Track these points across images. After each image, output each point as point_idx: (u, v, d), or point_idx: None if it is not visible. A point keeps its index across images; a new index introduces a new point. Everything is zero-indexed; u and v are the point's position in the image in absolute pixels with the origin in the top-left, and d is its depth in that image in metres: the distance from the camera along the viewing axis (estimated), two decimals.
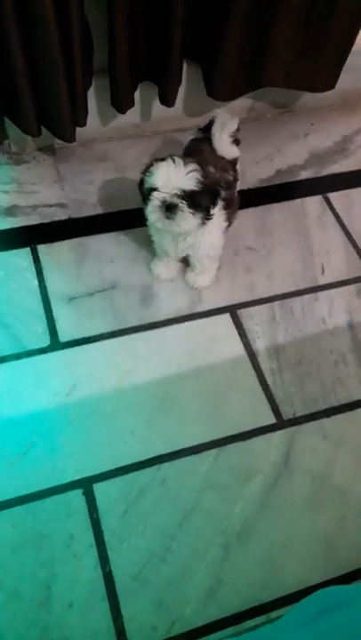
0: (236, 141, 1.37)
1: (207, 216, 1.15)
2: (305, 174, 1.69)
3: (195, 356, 1.28)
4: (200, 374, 1.26)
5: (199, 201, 1.11)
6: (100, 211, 1.54)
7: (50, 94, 1.30)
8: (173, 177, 1.08)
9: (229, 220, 1.30)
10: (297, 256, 1.49)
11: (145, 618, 0.98)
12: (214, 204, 1.16)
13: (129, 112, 1.54)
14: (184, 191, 1.08)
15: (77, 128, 1.46)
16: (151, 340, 1.31)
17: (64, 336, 1.30)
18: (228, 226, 1.30)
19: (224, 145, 1.32)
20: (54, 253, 1.44)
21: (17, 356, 1.26)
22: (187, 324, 1.34)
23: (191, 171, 1.09)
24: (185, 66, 1.53)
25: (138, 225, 1.43)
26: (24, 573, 1.00)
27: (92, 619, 0.97)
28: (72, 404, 1.20)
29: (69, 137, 1.41)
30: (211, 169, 1.22)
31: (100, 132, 1.66)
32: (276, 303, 1.39)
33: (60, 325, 1.31)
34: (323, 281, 1.44)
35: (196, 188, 1.09)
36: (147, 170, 1.14)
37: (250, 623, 0.98)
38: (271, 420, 1.21)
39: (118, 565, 1.02)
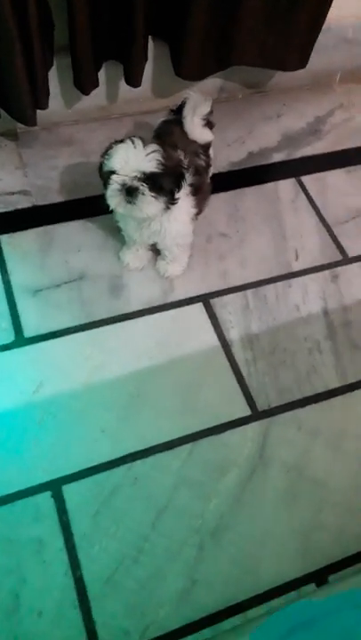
0: (209, 124, 1.29)
1: (171, 200, 1.08)
2: (278, 157, 1.62)
3: (167, 348, 1.22)
4: (173, 367, 1.20)
5: (161, 184, 1.04)
6: (65, 197, 1.45)
7: (5, 72, 1.20)
8: (133, 159, 1.02)
9: (199, 206, 1.22)
10: (270, 241, 1.43)
11: (118, 623, 0.93)
12: (178, 188, 1.09)
13: (94, 93, 1.45)
14: (144, 173, 1.02)
15: (39, 111, 1.37)
16: (121, 332, 1.24)
17: (29, 331, 1.22)
18: (198, 213, 1.23)
19: (196, 128, 1.24)
20: (18, 243, 1.36)
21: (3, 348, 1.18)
22: (158, 314, 1.27)
23: (151, 152, 1.03)
24: (152, 44, 1.44)
25: (106, 212, 1.35)
26: None
27: (63, 627, 0.92)
28: (39, 402, 1.13)
29: (30, 120, 1.32)
30: (179, 152, 1.16)
31: (65, 116, 1.56)
32: (249, 291, 1.33)
33: (24, 320, 1.24)
34: (297, 267, 1.39)
35: (157, 170, 1.03)
36: (105, 153, 1.07)
37: (226, 623, 0.94)
38: (246, 411, 1.16)
39: (89, 570, 0.97)
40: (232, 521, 1.03)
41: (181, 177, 1.10)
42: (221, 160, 1.56)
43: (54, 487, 1.04)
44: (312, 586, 0.98)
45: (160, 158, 1.03)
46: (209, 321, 1.27)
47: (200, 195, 1.21)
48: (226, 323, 1.27)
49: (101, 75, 1.44)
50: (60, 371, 1.18)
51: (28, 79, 1.22)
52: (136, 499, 1.04)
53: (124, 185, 1.02)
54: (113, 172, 1.03)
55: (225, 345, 1.23)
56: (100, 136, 1.57)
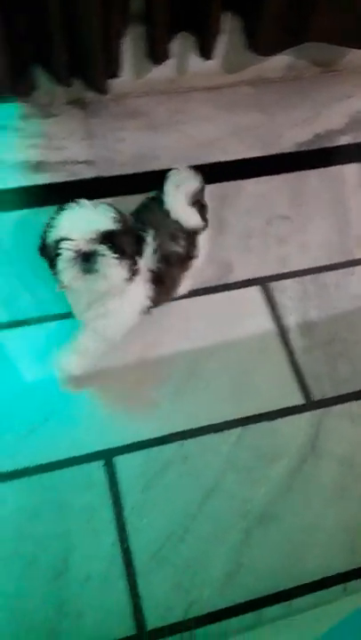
0: (200, 206, 1.04)
1: (134, 266, 0.88)
2: (344, 140, 1.51)
3: (222, 330, 1.17)
4: (227, 349, 1.15)
5: (122, 243, 0.84)
6: (129, 170, 1.39)
7: (85, 40, 1.13)
8: (83, 220, 0.83)
9: (157, 300, 0.99)
10: (333, 227, 1.34)
11: (162, 598, 0.91)
12: (139, 253, 0.89)
13: (163, 66, 1.37)
14: (101, 233, 0.83)
15: (110, 81, 1.30)
16: (177, 311, 1.19)
17: None
18: (153, 305, 1.00)
19: (179, 208, 0.99)
20: None
21: (39, 320, 1.15)
22: (215, 295, 1.21)
23: (105, 209, 0.85)
24: (226, 17, 1.34)
25: None
26: (41, 543, 0.93)
27: (109, 595, 0.91)
28: (95, 374, 1.10)
29: (102, 88, 1.25)
30: (149, 231, 0.95)
31: (133, 87, 1.49)
32: (309, 277, 1.25)
33: None
34: (359, 254, 1.30)
35: (115, 228, 0.83)
36: (47, 225, 0.87)
37: (270, 610, 0.91)
38: (300, 400, 1.10)
39: (137, 543, 0.95)
40: (280, 509, 0.99)
41: (142, 240, 0.91)
42: (287, 140, 1.47)
43: (107, 457, 1.02)
44: (360, 582, 0.93)
45: (116, 215, 0.85)
46: (266, 305, 1.20)
47: (161, 287, 0.98)
48: (283, 308, 1.20)
49: (172, 47, 1.36)
50: (114, 345, 1.14)
51: (105, 47, 1.15)
52: (185, 477, 1.01)
53: (78, 251, 0.82)
54: (61, 241, 0.83)
55: (282, 331, 1.17)
56: (167, 109, 1.50)
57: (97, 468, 1.01)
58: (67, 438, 1.03)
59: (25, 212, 1.30)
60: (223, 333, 1.16)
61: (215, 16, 1.21)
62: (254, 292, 1.22)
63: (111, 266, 0.83)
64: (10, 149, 1.40)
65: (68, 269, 0.83)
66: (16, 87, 1.36)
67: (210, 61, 1.42)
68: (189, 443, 1.04)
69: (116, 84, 1.34)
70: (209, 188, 1.38)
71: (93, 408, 1.07)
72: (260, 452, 1.04)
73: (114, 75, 1.27)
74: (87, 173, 1.38)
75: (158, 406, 1.08)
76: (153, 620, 0.89)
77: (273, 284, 1.22)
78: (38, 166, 1.38)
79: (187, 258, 1.03)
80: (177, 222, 0.99)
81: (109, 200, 1.31)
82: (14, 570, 0.91)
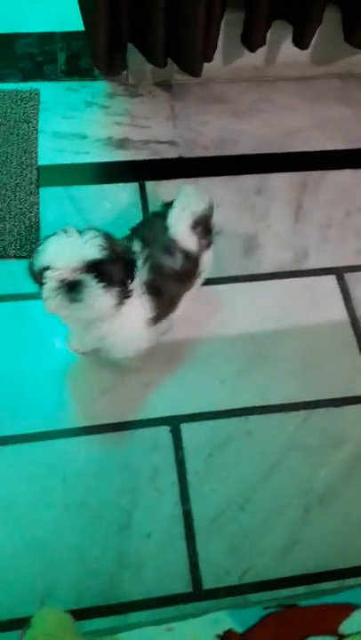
0: (205, 230, 1.01)
1: (124, 292, 0.87)
2: None
3: (294, 315, 1.20)
4: (297, 334, 1.17)
5: (110, 272, 0.83)
6: (211, 153, 1.43)
7: (186, 21, 1.18)
8: (68, 249, 0.82)
9: (160, 310, 0.96)
10: None
11: (219, 561, 0.95)
12: (131, 277, 0.88)
13: (253, 54, 1.40)
14: (86, 263, 0.81)
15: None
16: (250, 292, 1.22)
17: None
18: (157, 318, 0.98)
19: (179, 230, 0.98)
20: (161, 192, 1.36)
21: None
22: (289, 280, 1.24)
23: (91, 237, 0.83)
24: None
25: (249, 172, 1.33)
26: (107, 497, 0.99)
27: (168, 552, 0.95)
28: (166, 343, 1.15)
29: (196, 71, 1.30)
30: (138, 244, 0.95)
31: (220, 72, 1.52)
32: None
33: None
34: None
35: (101, 257, 0.82)
36: (34, 251, 0.86)
37: (323, 585, 0.93)
38: None
39: (198, 506, 0.99)
40: (341, 492, 1.01)
41: (132, 265, 0.89)
42: None
43: (173, 423, 1.06)
44: None
45: (103, 243, 0.83)
46: (340, 295, 1.22)
47: (160, 298, 0.96)
48: (357, 300, 1.22)
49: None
50: (188, 318, 1.18)
51: (206, 31, 1.20)
52: (248, 451, 1.04)
53: (62, 281, 0.81)
54: (46, 269, 0.82)
55: (354, 322, 1.19)
56: (251, 97, 1.53)
57: (164, 432, 1.05)
58: (137, 402, 1.08)
59: (107, 186, 1.36)
60: (295, 318, 1.19)
61: (318, 7, 1.23)
62: (329, 280, 1.24)
63: (97, 295, 0.82)
64: (95, 125, 1.46)
65: (51, 299, 0.82)
66: (110, 66, 1.42)
67: (299, 52, 1.44)
68: (254, 419, 1.07)
69: (203, 69, 1.38)
70: (288, 176, 1.42)
71: (162, 376, 1.11)
72: (325, 435, 1.06)
73: (209, 59, 1.31)
74: (169, 153, 1.43)
75: (225, 382, 1.11)
76: (209, 581, 0.93)
77: (348, 275, 1.24)
78: (121, 143, 1.43)
79: (186, 275, 1.00)
80: (173, 240, 0.97)
81: (190, 180, 1.37)
82: (80, 519, 0.97)
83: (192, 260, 1.00)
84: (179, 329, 1.16)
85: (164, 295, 0.97)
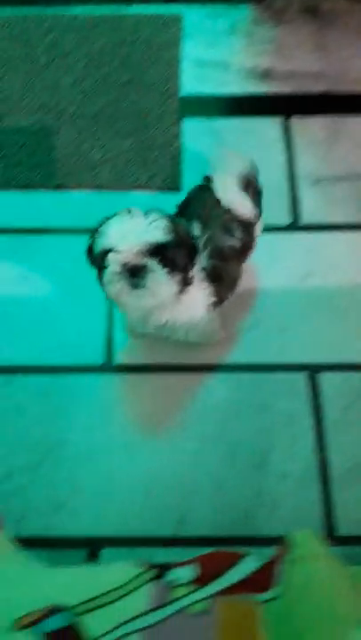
0: (254, 191, 0.97)
1: (186, 279, 0.83)
2: None
3: None
4: None
5: (173, 256, 0.79)
6: None
7: None
8: (132, 231, 0.78)
9: (219, 295, 0.93)
10: None
11: (354, 510, 0.96)
12: (192, 264, 0.84)
13: None
14: (151, 245, 0.78)
15: None
16: None
17: (305, 218, 1.20)
18: (218, 303, 0.95)
19: (230, 193, 0.94)
20: (306, 128, 1.30)
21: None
22: None
23: (155, 219, 0.79)
24: None
25: None
26: (244, 435, 1.01)
27: (303, 494, 0.97)
28: (305, 290, 1.13)
29: None
30: (196, 225, 0.90)
31: None
32: None
33: (302, 206, 1.21)
34: None
35: (166, 239, 0.78)
36: (95, 231, 0.82)
37: None
38: None
39: (335, 454, 0.99)
40: None
41: (194, 250, 0.85)
42: None
43: (311, 370, 1.06)
44: None
45: (167, 225, 0.79)
46: None
47: (220, 283, 0.92)
48: None
49: None
50: (329, 265, 1.16)
51: None
52: None
53: (125, 265, 0.78)
54: (108, 252, 0.79)
55: None
56: None
57: (301, 378, 1.06)
58: (276, 345, 1.08)
59: (249, 119, 1.31)
60: None
61: None
62: None
63: (160, 282, 0.79)
64: (238, 54, 1.40)
65: (113, 283, 0.79)
66: None
67: None
68: None
69: None
70: None
71: (300, 323, 1.10)
72: None
73: None
74: (316, 87, 1.35)
75: None
76: (342, 528, 0.95)
77: None
78: (265, 74, 1.37)
79: (243, 249, 0.96)
80: (229, 212, 0.93)
81: (336, 118, 1.30)
82: (218, 453, 1.00)
83: (250, 230, 0.97)
84: (317, 275, 1.14)
85: (225, 279, 0.94)
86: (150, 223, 0.78)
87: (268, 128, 1.30)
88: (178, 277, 0.81)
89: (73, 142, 1.26)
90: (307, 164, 1.25)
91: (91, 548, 0.95)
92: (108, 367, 1.07)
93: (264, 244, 1.16)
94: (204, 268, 0.89)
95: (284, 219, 1.20)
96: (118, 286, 0.79)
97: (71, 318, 1.11)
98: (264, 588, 0.65)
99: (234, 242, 0.94)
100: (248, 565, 0.68)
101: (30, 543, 0.94)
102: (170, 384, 1.05)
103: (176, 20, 1.40)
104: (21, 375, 1.07)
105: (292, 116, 1.31)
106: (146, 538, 0.95)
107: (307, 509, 0.96)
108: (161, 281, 0.79)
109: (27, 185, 1.23)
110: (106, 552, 0.94)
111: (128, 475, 0.99)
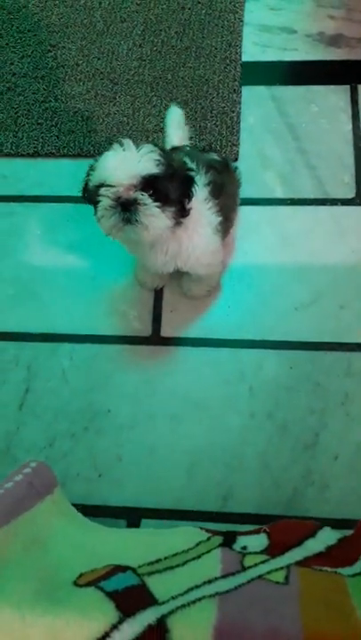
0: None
1: (181, 211, 0.87)
2: None
3: None
4: None
5: (166, 190, 0.83)
6: None
7: None
8: (124, 163, 0.82)
9: (225, 214, 0.99)
10: None
11: None
12: (189, 197, 0.87)
13: None
14: (142, 178, 0.82)
15: None
16: None
17: None
18: (226, 224, 1.01)
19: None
20: None
21: (318, 202, 1.23)
22: None
23: (148, 151, 0.82)
24: None
25: None
26: (295, 413, 1.06)
27: (355, 477, 1.00)
28: None
29: None
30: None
31: None
32: None
33: None
34: None
35: (158, 172, 0.82)
36: (90, 169, 0.88)
37: None
38: None
39: None
40: None
41: (190, 181, 0.88)
42: None
43: None
44: None
45: (160, 157, 0.83)
46: None
47: (224, 196, 0.98)
48: None
49: None
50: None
51: None
52: None
53: (118, 199, 0.82)
54: (101, 187, 0.83)
55: None
56: None
57: (358, 359, 1.09)
58: (332, 324, 1.12)
59: (314, 87, 1.35)
60: None
61: None
62: None
63: (153, 215, 0.83)
64: (305, 19, 1.44)
65: (106, 218, 0.84)
66: None
67: None
68: None
69: None
70: None
71: (360, 302, 1.13)
72: None
73: None
74: None
75: None
76: None
77: None
78: (334, 40, 1.40)
79: (224, 164, 1.06)
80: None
81: None
82: (267, 429, 1.05)
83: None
84: None
85: (226, 192, 1.00)
86: (142, 155, 0.82)
87: (333, 97, 1.33)
88: (171, 211, 0.85)
89: (128, 109, 1.33)
90: None
91: (131, 518, 1.01)
92: (157, 339, 1.14)
93: (326, 216, 1.21)
94: (208, 184, 0.95)
95: (349, 192, 1.23)
96: (111, 221, 0.84)
97: (120, 288, 1.18)
98: (347, 563, 0.66)
99: (215, 156, 1.04)
100: (325, 538, 0.70)
101: None
102: (220, 358, 1.11)
103: None
104: (68, 344, 1.15)
105: (359, 85, 1.33)
106: (189, 511, 1.01)
107: (358, 492, 0.99)
108: (154, 214, 0.83)
109: (80, 153, 1.31)
110: (146, 523, 1.00)
111: (172, 447, 1.05)
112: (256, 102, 1.33)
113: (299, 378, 1.08)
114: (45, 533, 0.68)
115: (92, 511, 1.01)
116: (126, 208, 0.82)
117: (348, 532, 0.69)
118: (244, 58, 1.38)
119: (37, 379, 1.12)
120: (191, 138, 1.24)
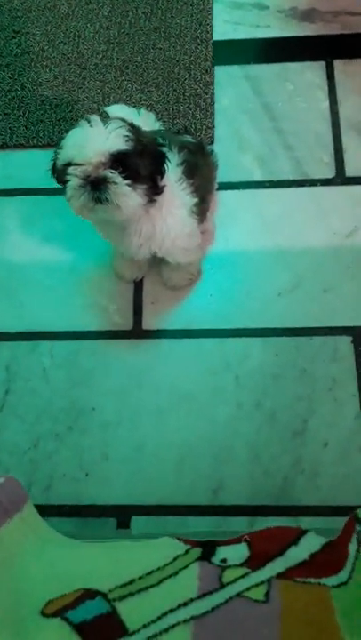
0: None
1: (154, 189, 0.84)
2: None
3: None
4: None
5: (136, 166, 0.81)
6: None
7: None
8: (92, 140, 0.79)
9: (200, 194, 0.96)
10: None
11: None
12: (161, 173, 0.85)
13: None
14: (111, 155, 0.79)
15: None
16: None
17: (351, 170, 1.21)
18: (201, 206, 0.98)
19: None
20: (351, 73, 1.30)
21: (297, 183, 1.20)
22: None
23: (115, 128, 0.79)
24: None
25: None
26: (283, 401, 1.04)
27: (345, 463, 1.00)
28: (350, 247, 1.14)
29: None
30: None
31: None
32: None
33: (347, 157, 1.22)
34: None
35: (127, 148, 0.79)
36: (57, 145, 0.85)
37: None
38: None
39: None
40: None
41: (162, 157, 0.85)
42: None
43: (356, 334, 1.07)
44: None
45: (128, 133, 0.80)
46: None
47: (198, 177, 0.96)
48: None
49: None
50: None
51: None
52: None
53: (87, 178, 0.79)
54: (69, 165, 0.81)
55: None
56: None
57: (344, 343, 1.07)
58: (318, 307, 1.10)
59: (289, 65, 1.32)
60: None
61: None
62: None
63: (124, 194, 0.80)
64: None
65: (75, 198, 0.81)
66: None
67: None
68: None
69: None
70: None
71: (343, 283, 1.12)
72: None
73: None
74: None
75: None
76: None
77: None
78: (307, 15, 1.37)
79: (199, 145, 1.03)
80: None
81: None
82: (255, 419, 1.03)
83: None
84: None
85: (200, 173, 0.97)
86: (111, 132, 0.79)
87: (308, 73, 1.30)
88: (143, 189, 0.83)
89: (98, 95, 1.29)
90: (352, 111, 1.26)
91: (121, 516, 1.00)
92: (138, 332, 1.12)
93: (306, 198, 1.19)
94: (181, 163, 0.92)
95: (328, 171, 1.21)
96: (81, 201, 0.81)
97: (99, 281, 1.16)
98: (331, 572, 0.63)
99: (190, 138, 1.01)
100: (309, 544, 0.66)
101: (58, 511, 1.00)
102: (204, 349, 1.09)
103: None
104: (47, 341, 1.12)
105: (335, 60, 1.31)
106: (179, 506, 0.99)
107: (349, 478, 0.99)
108: (124, 193, 0.80)
109: (50, 143, 1.27)
110: (136, 520, 0.99)
111: (159, 441, 1.03)
112: (230, 82, 1.30)
113: (285, 365, 1.07)
114: (13, 555, 0.65)
115: (81, 511, 1.00)
116: (96, 187, 0.79)
117: (333, 537, 0.66)
118: (216, 37, 1.35)
119: (17, 379, 1.10)
120: (164, 122, 1.21)
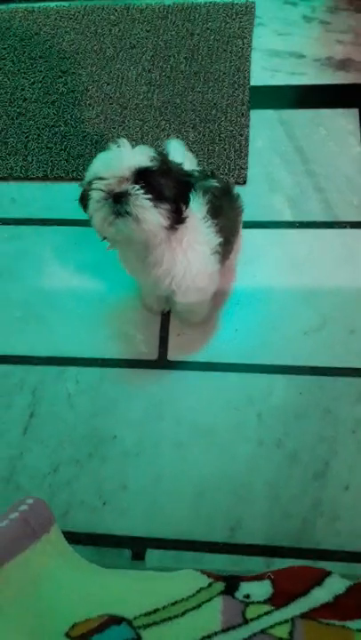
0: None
1: (176, 214, 0.84)
2: None
3: None
4: None
5: (159, 184, 0.81)
6: None
7: None
8: (118, 159, 0.81)
9: (224, 234, 0.96)
10: None
11: None
12: (185, 201, 0.85)
13: None
14: (135, 171, 0.80)
15: None
16: None
17: None
18: (226, 247, 0.99)
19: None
20: None
21: (327, 225, 1.22)
22: None
23: (142, 148, 0.83)
24: None
25: None
26: (305, 442, 1.03)
27: None
28: None
29: None
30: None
31: None
32: None
33: None
34: None
35: (151, 165, 0.80)
36: (86, 170, 0.87)
37: None
38: None
39: None
40: None
41: (187, 185, 0.86)
42: None
43: None
44: None
45: (154, 154, 0.82)
46: None
47: (223, 218, 0.97)
48: None
49: None
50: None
51: None
52: None
53: (109, 192, 0.80)
54: (92, 181, 0.82)
55: None
56: None
57: None
58: (342, 349, 1.10)
59: (323, 111, 1.35)
60: None
61: None
62: None
63: (144, 208, 0.80)
64: (314, 44, 1.45)
65: (97, 212, 0.81)
66: None
67: None
68: None
69: None
70: None
71: None
72: None
73: None
74: None
75: None
76: None
77: None
78: (343, 64, 1.41)
79: (226, 188, 1.05)
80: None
81: None
82: (275, 458, 1.02)
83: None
84: None
85: (225, 215, 0.98)
86: (137, 151, 0.82)
87: (341, 120, 1.33)
88: (165, 209, 0.82)
89: (137, 133, 1.34)
90: None
91: (135, 547, 0.99)
92: (163, 362, 1.12)
93: (334, 239, 1.19)
94: (206, 203, 0.93)
95: (358, 214, 1.22)
96: (102, 214, 0.81)
97: (127, 312, 1.17)
98: (355, 615, 0.62)
99: (215, 182, 1.00)
100: (333, 586, 0.66)
101: (74, 538, 0.99)
102: (227, 383, 1.09)
103: (249, 9, 1.47)
104: (74, 367, 1.14)
105: None
106: (195, 541, 0.98)
107: None
108: (144, 206, 0.80)
109: None
110: (151, 553, 0.98)
111: (178, 475, 1.03)
112: (264, 126, 1.33)
113: (308, 404, 1.06)
114: (40, 576, 0.65)
115: (97, 540, 1.00)
116: (118, 200, 0.80)
117: (358, 581, 0.65)
118: (253, 82, 1.39)
119: (42, 403, 1.11)
120: (200, 162, 1.25)
